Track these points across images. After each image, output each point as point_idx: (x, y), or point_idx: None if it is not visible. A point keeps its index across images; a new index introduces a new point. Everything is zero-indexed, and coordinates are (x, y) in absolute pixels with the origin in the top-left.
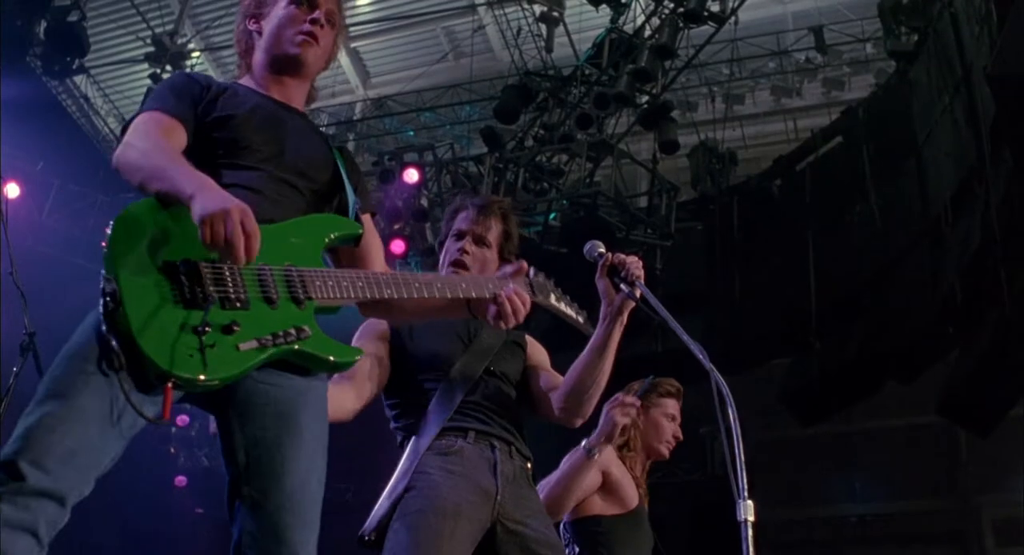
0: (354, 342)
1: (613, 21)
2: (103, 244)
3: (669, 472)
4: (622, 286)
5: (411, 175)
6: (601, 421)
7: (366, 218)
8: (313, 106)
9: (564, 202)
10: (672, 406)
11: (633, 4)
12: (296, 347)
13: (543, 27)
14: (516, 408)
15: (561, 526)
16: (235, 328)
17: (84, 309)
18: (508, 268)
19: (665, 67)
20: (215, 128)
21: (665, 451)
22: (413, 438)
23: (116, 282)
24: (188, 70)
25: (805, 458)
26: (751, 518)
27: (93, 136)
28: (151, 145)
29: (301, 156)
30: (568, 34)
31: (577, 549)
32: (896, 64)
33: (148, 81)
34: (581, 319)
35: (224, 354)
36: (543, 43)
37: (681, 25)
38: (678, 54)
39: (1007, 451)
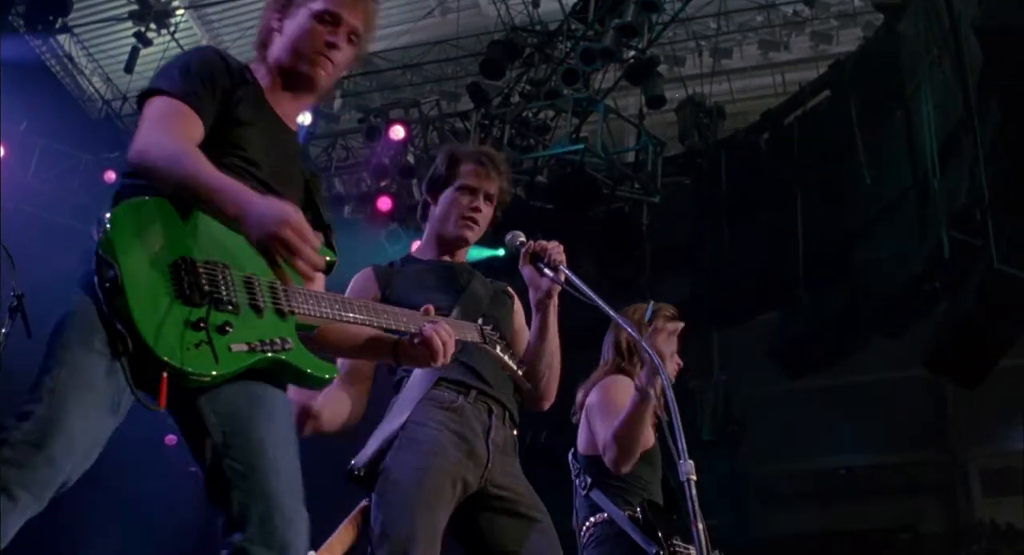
0: None
1: None
2: (102, 226)
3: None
4: (546, 272)
5: (397, 132)
6: (646, 359)
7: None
8: None
9: (550, 159)
10: (664, 323)
11: None
12: (281, 357)
13: None
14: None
15: (570, 455)
16: (228, 329)
17: (73, 270)
18: (423, 308)
19: (651, 21)
20: (227, 126)
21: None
22: (410, 380)
23: (117, 268)
24: (216, 48)
25: (793, 412)
26: (693, 477)
27: (78, 96)
28: (175, 150)
29: (287, 177)
30: None
31: (589, 480)
32: (884, 17)
33: (132, 40)
34: (520, 372)
35: (218, 350)
36: None
37: None
38: (664, 8)
39: (993, 403)
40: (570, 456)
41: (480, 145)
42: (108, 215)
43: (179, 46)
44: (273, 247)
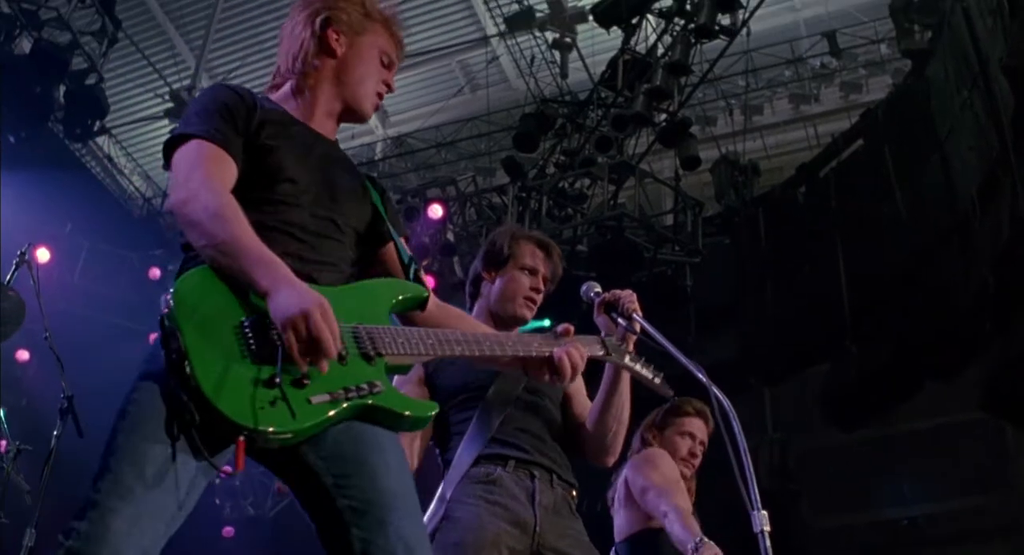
0: None
1: (625, 42)
2: (166, 305)
3: (709, 486)
4: (620, 321)
5: (435, 211)
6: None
7: (402, 243)
8: None
9: (590, 227)
10: (689, 424)
11: (644, 24)
12: (370, 402)
13: (556, 54)
14: (560, 429)
15: (613, 552)
16: (305, 382)
17: (121, 369)
18: (559, 328)
19: (680, 84)
20: (259, 156)
21: (683, 468)
22: (452, 466)
23: (180, 336)
24: (229, 84)
25: (849, 464)
26: (767, 528)
27: (119, 195)
28: (219, 207)
29: (342, 190)
30: (582, 58)
31: None
32: (912, 63)
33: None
34: (657, 380)
35: (296, 405)
36: (558, 69)
37: (693, 41)
38: (692, 70)
39: None
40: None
41: (520, 222)
42: (172, 288)
43: None
44: (297, 328)
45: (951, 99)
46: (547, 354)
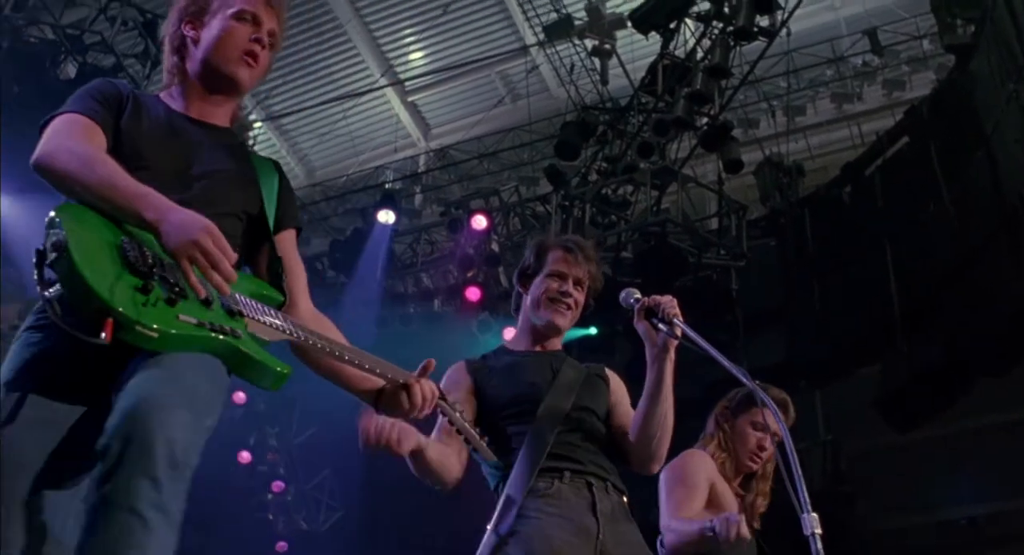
0: None
1: (664, 47)
2: (51, 223)
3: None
4: (660, 326)
5: (479, 222)
6: (719, 527)
7: (288, 235)
8: (376, 162)
9: (634, 233)
10: (761, 414)
11: (682, 28)
12: (232, 341)
13: (596, 61)
14: (607, 442)
15: (658, 542)
16: (177, 301)
17: None
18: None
19: (721, 86)
20: (120, 141)
21: (749, 462)
22: (508, 481)
23: (63, 235)
24: (109, 78)
25: (904, 465)
26: (818, 531)
27: None
28: (88, 154)
29: (210, 177)
30: (622, 64)
31: None
32: (955, 58)
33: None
34: (483, 441)
35: (165, 315)
36: (597, 76)
37: (732, 43)
38: (732, 72)
39: None
40: (658, 543)
41: (564, 231)
42: (53, 211)
43: None
44: (192, 255)
45: (996, 93)
46: (402, 381)
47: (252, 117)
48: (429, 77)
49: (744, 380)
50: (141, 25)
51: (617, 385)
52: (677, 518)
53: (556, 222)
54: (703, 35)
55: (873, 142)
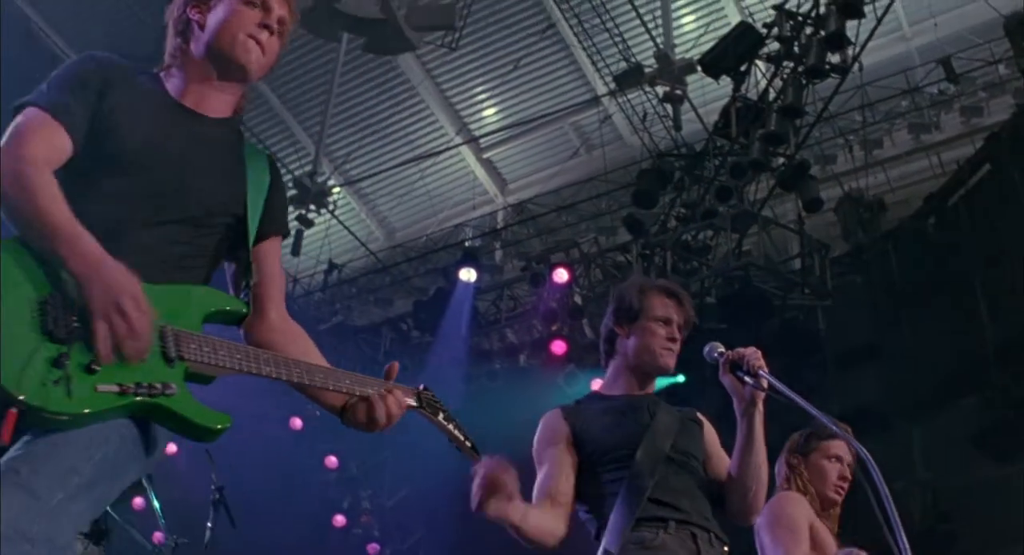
0: (536, 448)
1: (736, 89)
2: None
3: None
4: (747, 379)
5: (560, 275)
6: None
7: (271, 244)
8: (455, 221)
9: (717, 278)
10: (836, 447)
11: (753, 69)
12: (160, 402)
13: (668, 107)
14: (707, 487)
15: None
16: (95, 368)
17: (266, 454)
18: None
19: (796, 126)
20: (95, 129)
21: (833, 495)
22: (609, 529)
23: None
24: (97, 54)
25: (1007, 499)
26: None
27: None
28: (31, 178)
29: (197, 171)
30: (694, 109)
31: None
32: None
33: (295, 223)
34: (469, 443)
35: (80, 390)
36: (671, 123)
37: (804, 82)
38: (806, 111)
39: None
40: None
41: (645, 276)
42: None
43: (340, 223)
44: (111, 319)
45: None
46: (365, 394)
47: (331, 182)
48: (503, 133)
49: (835, 429)
50: None
51: (710, 431)
52: None
53: (637, 271)
54: (775, 75)
55: (954, 171)
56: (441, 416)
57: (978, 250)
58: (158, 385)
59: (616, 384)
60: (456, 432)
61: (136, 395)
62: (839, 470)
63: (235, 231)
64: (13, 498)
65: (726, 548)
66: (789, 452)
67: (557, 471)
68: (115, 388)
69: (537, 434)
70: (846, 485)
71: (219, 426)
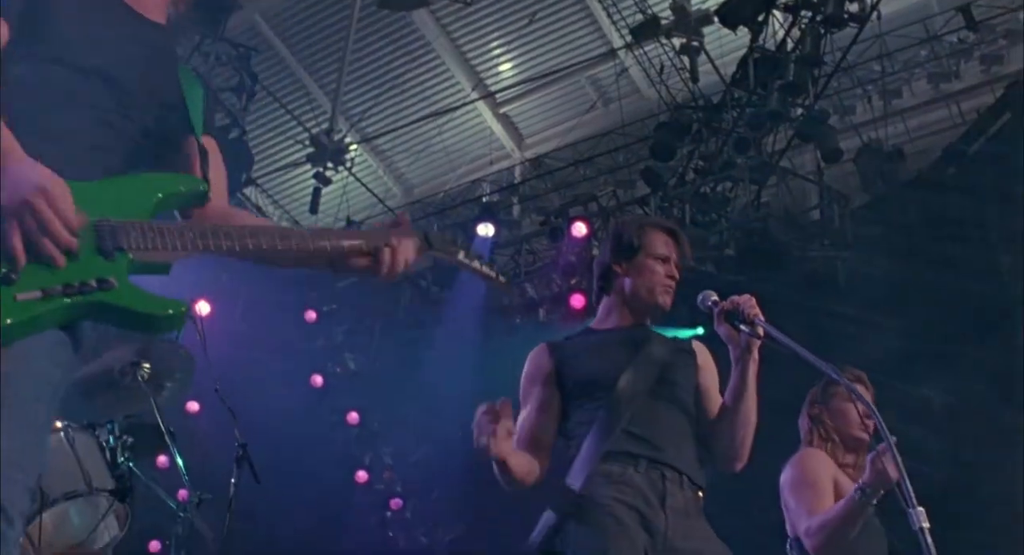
0: (522, 385)
1: (753, 40)
2: None
3: None
4: (742, 327)
5: (579, 229)
6: (870, 470)
7: (211, 141)
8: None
9: (736, 230)
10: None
11: (771, 20)
12: (97, 299)
13: (685, 59)
14: (693, 424)
15: (788, 545)
16: (12, 277)
17: (286, 412)
18: (387, 221)
19: (814, 76)
20: (42, 12)
21: (860, 432)
22: (578, 460)
23: None
24: None
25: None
26: (926, 525)
27: None
28: None
29: (137, 70)
30: (711, 61)
31: None
32: None
33: (313, 181)
34: (494, 274)
35: (2, 304)
36: (688, 75)
37: (823, 31)
38: (825, 61)
39: None
40: (787, 547)
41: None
42: None
43: (357, 180)
44: (22, 217)
45: None
46: (357, 244)
47: (348, 139)
48: (519, 87)
49: (830, 373)
50: (235, 59)
51: (706, 362)
52: (815, 517)
53: None
54: (792, 25)
55: (974, 120)
56: (462, 255)
57: (998, 199)
58: (92, 282)
59: (609, 319)
60: (482, 267)
61: (65, 296)
62: (861, 408)
63: (170, 121)
64: None
65: (700, 493)
66: (809, 404)
67: (539, 410)
68: (37, 294)
69: (524, 370)
70: (869, 422)
71: (170, 311)
